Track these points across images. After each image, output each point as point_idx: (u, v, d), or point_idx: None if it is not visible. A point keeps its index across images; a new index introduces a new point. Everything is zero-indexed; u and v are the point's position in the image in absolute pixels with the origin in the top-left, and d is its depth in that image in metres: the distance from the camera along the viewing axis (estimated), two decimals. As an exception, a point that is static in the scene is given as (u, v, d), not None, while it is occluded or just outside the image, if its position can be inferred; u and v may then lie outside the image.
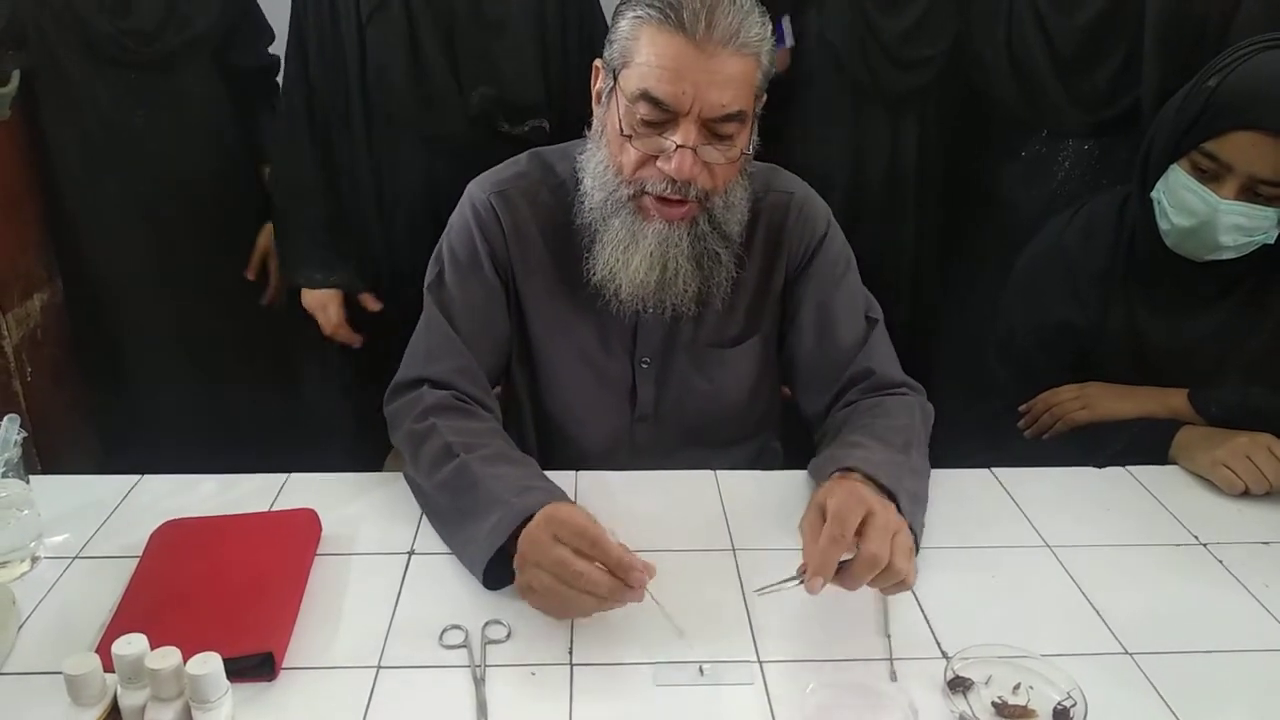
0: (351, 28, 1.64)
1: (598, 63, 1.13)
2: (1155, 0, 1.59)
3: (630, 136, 1.06)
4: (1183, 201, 1.25)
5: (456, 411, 1.11)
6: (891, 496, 0.99)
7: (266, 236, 1.90)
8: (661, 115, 1.04)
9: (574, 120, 1.76)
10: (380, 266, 1.78)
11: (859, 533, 0.88)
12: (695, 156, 1.05)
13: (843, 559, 0.87)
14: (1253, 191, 1.22)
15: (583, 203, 1.14)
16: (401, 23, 1.64)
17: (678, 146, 1.04)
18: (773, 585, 0.88)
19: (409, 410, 1.12)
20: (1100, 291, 1.39)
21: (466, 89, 1.68)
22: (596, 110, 1.14)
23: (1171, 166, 1.27)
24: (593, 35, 1.72)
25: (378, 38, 1.64)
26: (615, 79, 1.08)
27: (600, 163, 1.12)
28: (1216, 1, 1.59)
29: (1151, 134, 1.33)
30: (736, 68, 1.03)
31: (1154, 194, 1.30)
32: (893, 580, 0.87)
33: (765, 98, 1.11)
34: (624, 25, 1.06)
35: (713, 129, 1.05)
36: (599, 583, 0.85)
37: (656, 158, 1.06)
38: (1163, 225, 1.29)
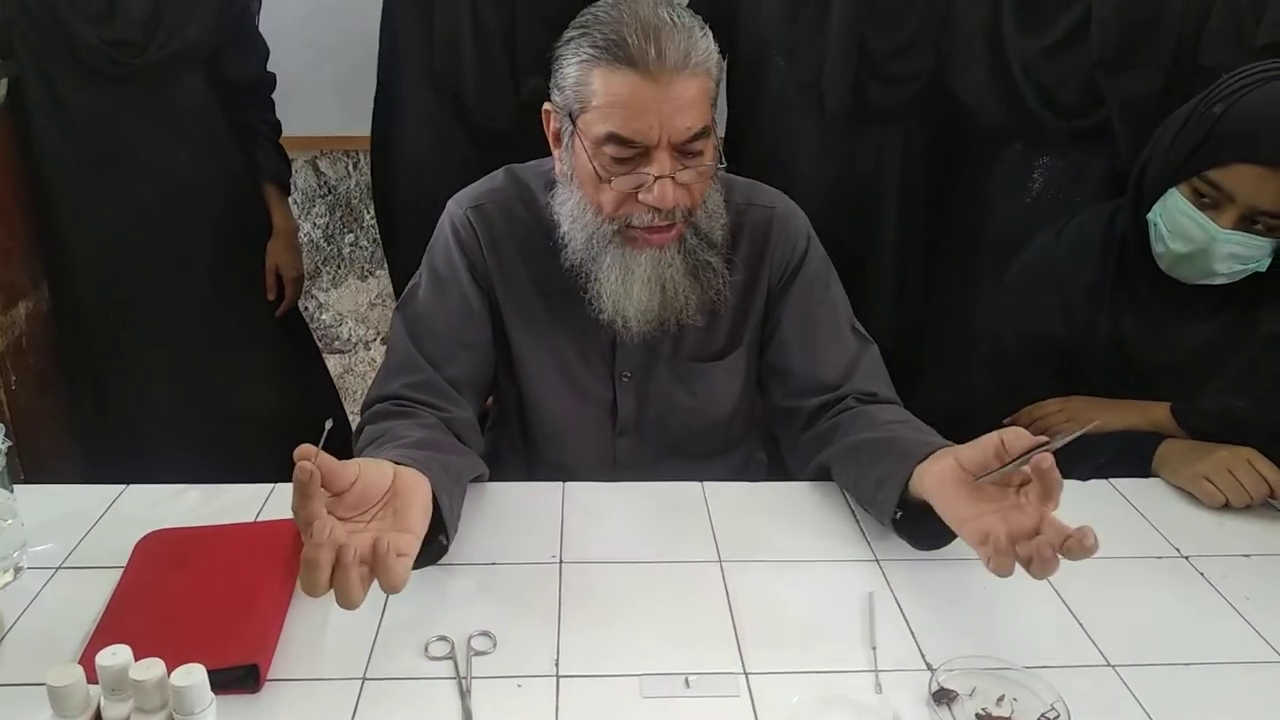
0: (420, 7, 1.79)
1: (548, 107, 1.13)
2: (1105, 25, 1.60)
3: (608, 180, 1.06)
4: (1180, 227, 1.26)
5: (384, 416, 1.12)
6: None
7: (274, 252, 1.94)
8: (631, 151, 1.05)
9: None
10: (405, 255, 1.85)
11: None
12: (674, 183, 1.05)
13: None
14: (1251, 220, 1.22)
15: (566, 244, 1.14)
16: (466, 6, 1.76)
17: (656, 178, 1.05)
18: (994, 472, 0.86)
19: (355, 431, 1.15)
20: (1089, 304, 1.39)
21: (521, 77, 1.79)
22: (557, 153, 1.15)
23: (1170, 190, 1.27)
24: None
25: (445, 13, 1.78)
26: (574, 124, 1.08)
27: (577, 204, 1.12)
28: (1184, 18, 1.60)
29: (1148, 153, 1.33)
30: (693, 89, 1.03)
31: (1151, 216, 1.30)
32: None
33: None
34: (572, 70, 1.06)
35: (682, 150, 1.06)
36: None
37: (635, 192, 1.07)
38: (1158, 248, 1.30)
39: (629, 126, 1.03)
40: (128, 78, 1.68)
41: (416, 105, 1.86)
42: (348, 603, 0.75)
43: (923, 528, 0.99)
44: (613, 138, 1.04)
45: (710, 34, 1.08)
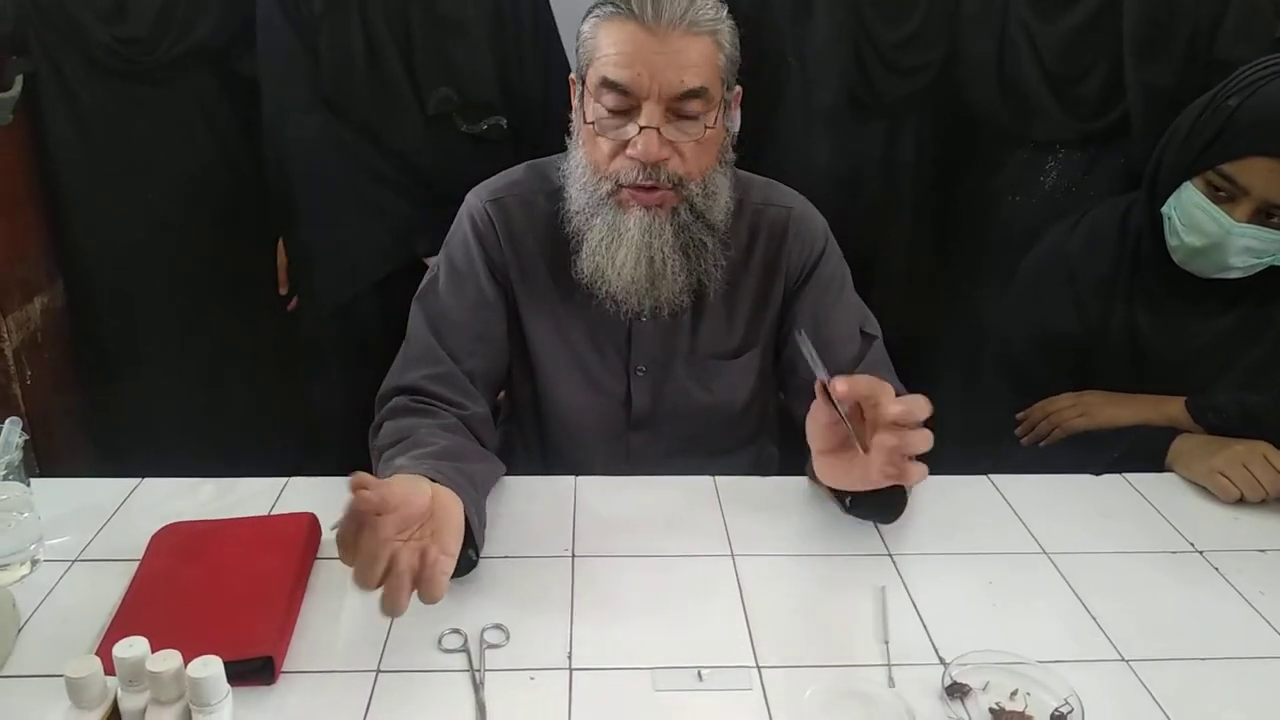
0: (308, 23, 1.67)
1: (572, 76, 1.15)
2: (1131, 11, 1.59)
3: (595, 125, 1.08)
4: (1195, 221, 1.25)
5: (406, 412, 1.12)
6: None
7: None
8: (624, 102, 1.06)
9: (531, 118, 1.79)
10: (355, 267, 1.80)
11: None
12: (660, 136, 1.06)
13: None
14: (1266, 214, 1.22)
15: (569, 208, 1.15)
16: (355, 20, 1.66)
17: (642, 128, 1.06)
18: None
19: (375, 424, 1.14)
20: (1102, 299, 1.39)
21: (424, 89, 1.71)
22: (574, 121, 1.16)
23: (1185, 184, 1.27)
24: (548, 33, 1.79)
25: (333, 34, 1.66)
26: (583, 84, 1.11)
27: (578, 165, 1.14)
28: (1199, 12, 1.59)
29: (1163, 146, 1.32)
30: (692, 48, 1.06)
31: (1165, 209, 1.30)
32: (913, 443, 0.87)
33: (739, 89, 1.14)
34: (585, 30, 1.10)
35: (676, 110, 1.07)
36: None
37: (626, 146, 1.08)
38: (1172, 241, 1.29)
39: (621, 73, 1.05)
40: (139, 74, 1.69)
41: (306, 132, 1.74)
42: (395, 608, 0.79)
43: (872, 507, 1.05)
44: (606, 84, 1.06)
45: (724, 8, 1.10)
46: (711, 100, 1.08)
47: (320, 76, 1.69)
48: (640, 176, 1.08)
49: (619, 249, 1.11)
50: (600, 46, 1.07)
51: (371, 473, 1.14)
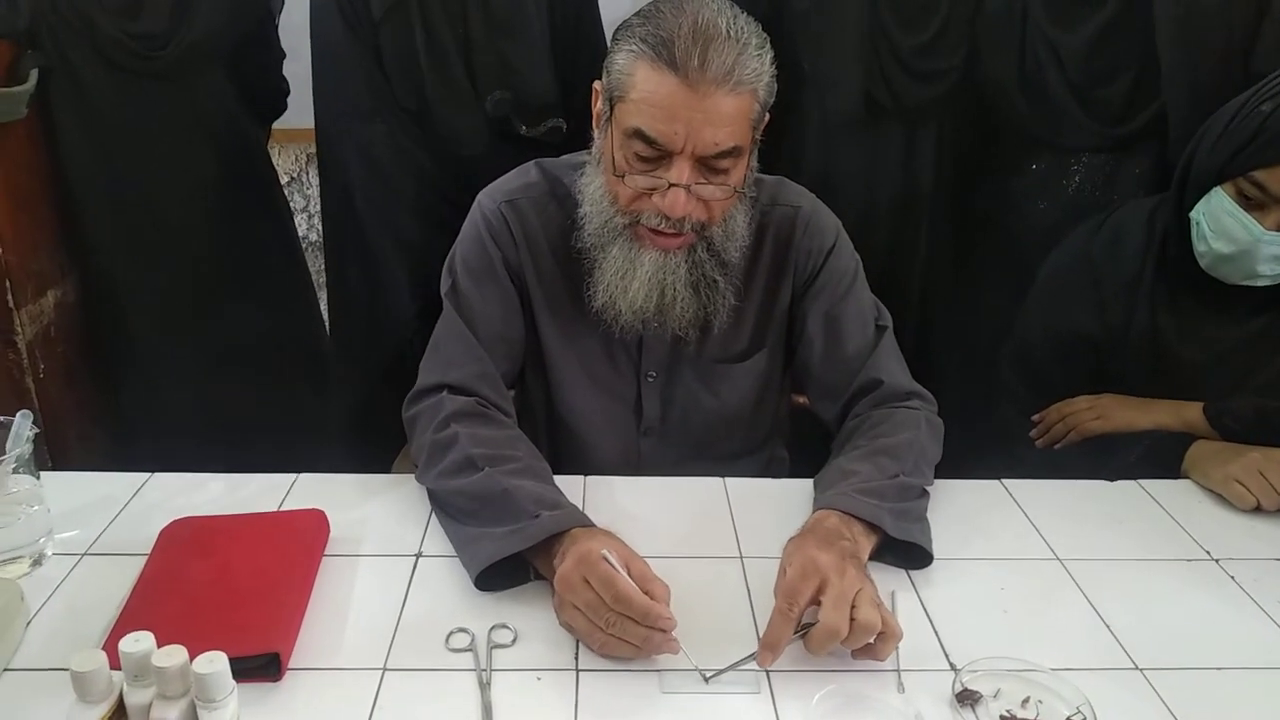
0: (366, 28, 1.66)
1: (597, 85, 1.13)
2: (1170, 21, 1.57)
3: (623, 175, 1.06)
4: (1224, 227, 1.23)
5: (478, 419, 1.11)
6: (875, 526, 0.99)
7: None
8: (655, 152, 1.04)
9: (589, 118, 1.81)
10: (396, 270, 1.79)
11: (818, 602, 0.86)
12: (688, 194, 1.05)
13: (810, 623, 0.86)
14: None
15: (583, 226, 1.14)
16: (418, 24, 1.65)
17: (671, 185, 1.04)
18: (726, 668, 0.86)
19: (429, 418, 1.11)
20: (1125, 302, 1.37)
21: (482, 93, 1.70)
22: (596, 133, 1.14)
23: (1215, 189, 1.25)
24: (591, 33, 1.77)
25: (395, 39, 1.66)
26: (611, 109, 1.08)
27: (598, 189, 1.12)
28: (1237, 21, 1.57)
29: (1193, 149, 1.30)
30: (731, 106, 1.02)
31: (1193, 214, 1.28)
32: (864, 638, 0.85)
33: (769, 118, 1.11)
34: (620, 58, 1.05)
35: (707, 164, 1.05)
36: (631, 632, 0.85)
37: (652, 193, 1.06)
38: (1199, 247, 1.28)
39: (656, 127, 1.02)
40: (152, 70, 1.69)
41: (368, 138, 1.73)
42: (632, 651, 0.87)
43: (894, 558, 1.03)
44: (639, 134, 1.03)
45: (768, 52, 1.05)
46: (743, 153, 1.07)
47: (383, 82, 1.69)
48: (664, 225, 1.08)
49: (632, 280, 1.11)
50: (635, 88, 1.03)
51: (385, 464, 1.14)
